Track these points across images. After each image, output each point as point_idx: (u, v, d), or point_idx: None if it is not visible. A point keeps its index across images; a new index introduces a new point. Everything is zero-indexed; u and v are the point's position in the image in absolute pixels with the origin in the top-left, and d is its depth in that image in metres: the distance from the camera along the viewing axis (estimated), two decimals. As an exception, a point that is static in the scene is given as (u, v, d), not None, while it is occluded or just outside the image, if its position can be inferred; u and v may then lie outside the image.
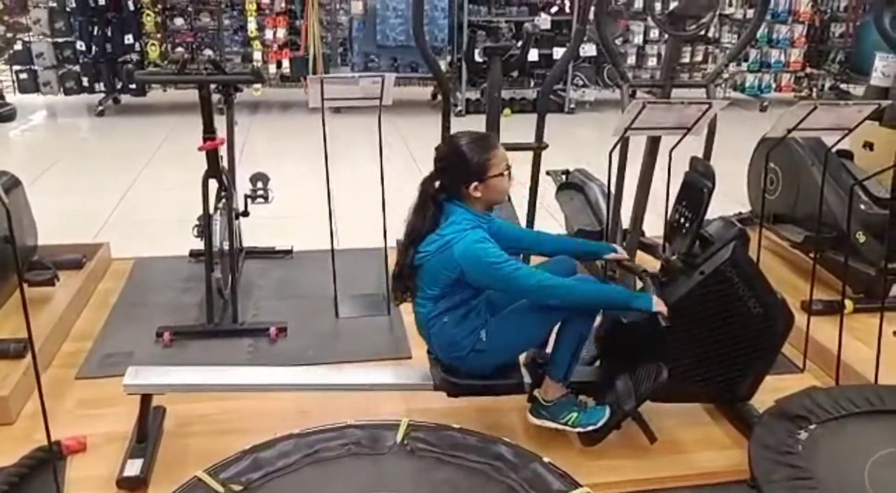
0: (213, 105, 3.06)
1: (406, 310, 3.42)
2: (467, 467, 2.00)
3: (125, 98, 8.51)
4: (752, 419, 2.57)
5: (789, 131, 2.75)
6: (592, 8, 2.98)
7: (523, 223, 3.53)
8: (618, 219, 3.32)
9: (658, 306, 2.29)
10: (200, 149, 3.01)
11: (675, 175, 2.61)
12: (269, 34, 8.18)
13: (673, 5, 3.15)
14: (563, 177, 4.05)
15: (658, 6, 7.18)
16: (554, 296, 2.31)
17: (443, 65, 8.40)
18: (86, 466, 2.37)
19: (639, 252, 3.66)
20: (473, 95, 8.37)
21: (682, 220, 2.46)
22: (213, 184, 3.20)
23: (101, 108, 8.15)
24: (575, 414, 2.41)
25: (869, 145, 4.23)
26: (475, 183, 2.31)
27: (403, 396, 2.62)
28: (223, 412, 2.64)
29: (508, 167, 2.36)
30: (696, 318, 2.44)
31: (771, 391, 2.63)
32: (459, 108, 8.29)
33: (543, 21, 8.06)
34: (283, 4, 8.14)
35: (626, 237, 3.56)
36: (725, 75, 8.79)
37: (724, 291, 2.42)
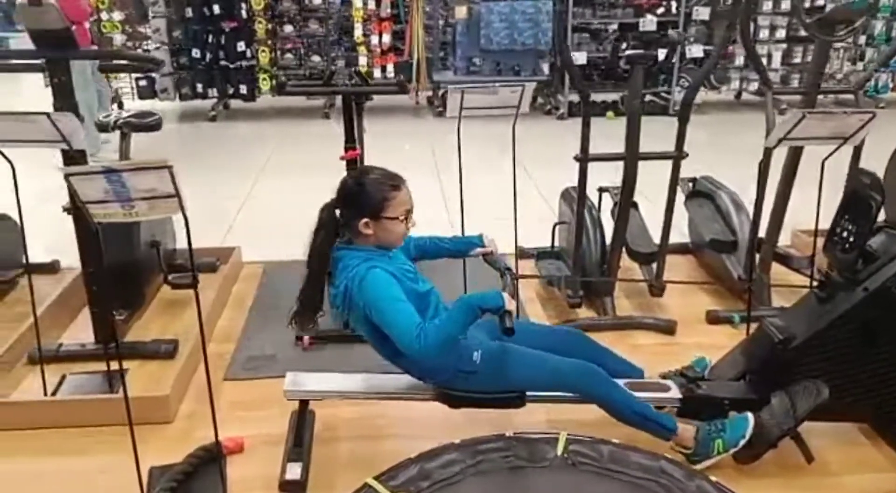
0: (354, 116, 3.12)
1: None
2: (631, 483, 1.98)
3: (235, 103, 8.81)
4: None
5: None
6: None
7: (657, 235, 3.47)
8: (757, 229, 3.23)
9: (508, 304, 2.09)
10: (342, 158, 3.08)
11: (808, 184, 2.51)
12: (374, 40, 8.32)
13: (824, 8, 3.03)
14: (691, 185, 3.97)
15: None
16: (428, 339, 2.03)
17: (545, 68, 8.38)
18: (243, 467, 2.45)
19: (774, 264, 3.57)
20: (575, 98, 8.30)
21: (845, 234, 2.37)
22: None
23: (213, 113, 8.46)
24: (720, 441, 2.35)
25: None
26: (367, 219, 2.20)
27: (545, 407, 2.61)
28: (367, 417, 2.70)
29: (409, 212, 2.26)
30: (857, 334, 2.36)
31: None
32: (561, 111, 8.25)
33: (650, 22, 7.93)
34: (388, 10, 8.26)
35: (762, 248, 3.47)
36: (840, 76, 8.45)
37: (888, 308, 2.33)
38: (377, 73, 8.37)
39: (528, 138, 2.51)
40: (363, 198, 2.21)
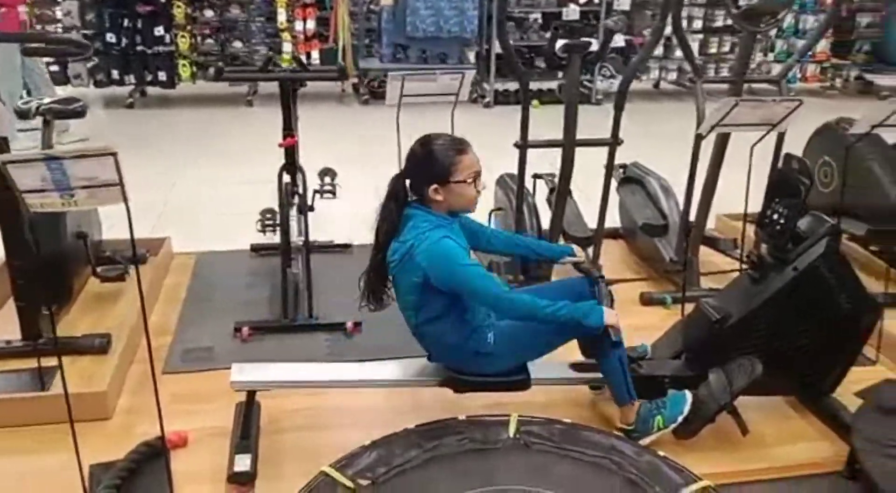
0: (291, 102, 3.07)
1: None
2: (585, 461, 2.03)
3: (152, 90, 8.52)
4: (837, 411, 2.61)
5: (873, 128, 2.77)
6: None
7: (592, 220, 3.55)
8: (688, 213, 3.35)
9: (609, 318, 2.28)
10: (281, 145, 3.03)
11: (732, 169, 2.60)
12: (298, 26, 8.17)
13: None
14: (622, 171, 4.07)
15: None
16: (510, 310, 2.29)
17: (471, 56, 8.42)
18: (189, 461, 2.40)
19: (702, 247, 3.71)
20: (501, 86, 8.38)
21: (776, 216, 2.49)
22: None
23: (130, 100, 8.16)
24: (659, 417, 2.44)
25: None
26: (436, 185, 2.27)
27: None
28: (313, 407, 2.68)
29: (477, 175, 2.31)
30: (787, 313, 2.48)
31: (846, 383, 2.67)
32: (487, 99, 8.30)
33: (573, 12, 8.06)
34: (312, -5, 8.13)
35: (691, 232, 3.59)
36: (752, 65, 8.78)
37: (816, 287, 2.45)
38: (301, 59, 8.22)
39: (456, 127, 2.53)
40: (431, 164, 2.26)
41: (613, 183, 3.88)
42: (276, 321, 3.22)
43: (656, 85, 9.37)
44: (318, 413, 2.66)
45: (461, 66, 7.95)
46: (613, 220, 4.14)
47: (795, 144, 4.11)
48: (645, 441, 2.41)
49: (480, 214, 3.74)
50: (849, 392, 2.69)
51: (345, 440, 2.24)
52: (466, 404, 2.51)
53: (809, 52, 8.76)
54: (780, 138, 3.24)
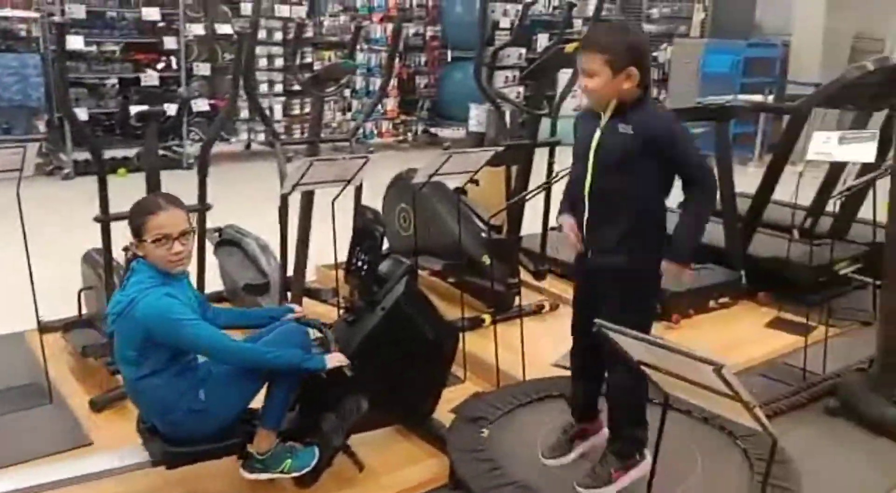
0: None
1: (73, 392, 3.19)
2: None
3: None
4: (438, 430, 2.91)
5: (430, 177, 3.17)
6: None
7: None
8: (285, 269, 3.47)
9: (332, 362, 2.44)
10: None
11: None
12: None
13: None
14: (217, 235, 4.07)
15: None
16: (235, 359, 2.40)
17: (41, 126, 7.72)
18: None
19: (305, 298, 3.86)
20: (82, 155, 7.80)
21: (360, 263, 2.71)
22: None
23: None
24: (289, 461, 2.50)
25: (476, 182, 4.96)
26: (135, 243, 2.36)
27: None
28: None
29: (165, 237, 2.32)
30: (383, 349, 2.70)
31: (443, 403, 3.00)
32: (67, 170, 7.67)
33: (151, 78, 7.87)
34: None
35: (292, 286, 3.72)
36: (334, 125, 9.43)
37: (402, 322, 2.72)
38: None
39: (32, 203, 2.34)
40: (130, 222, 2.37)
41: (210, 247, 3.87)
42: None
43: (248, 146, 9.53)
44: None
45: (27, 138, 7.24)
46: (217, 284, 4.11)
47: (379, 194, 4.54)
48: (264, 477, 2.47)
49: (69, 296, 3.49)
50: (445, 410, 3.02)
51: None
52: None
53: (381, 110, 9.71)
54: (359, 191, 3.53)
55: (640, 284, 2.50)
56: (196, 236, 2.71)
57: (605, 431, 2.69)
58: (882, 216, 3.45)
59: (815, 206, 4.80)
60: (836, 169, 4.73)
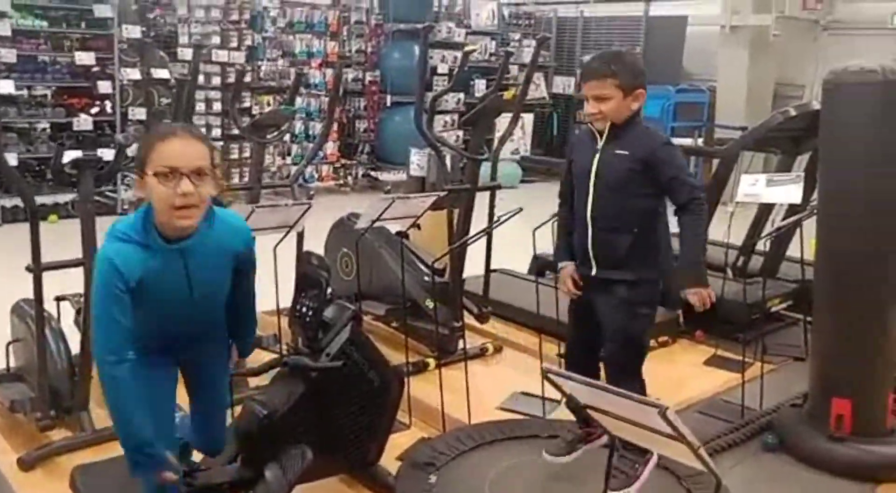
0: None
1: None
2: None
3: None
4: (384, 478, 2.87)
5: (373, 222, 3.18)
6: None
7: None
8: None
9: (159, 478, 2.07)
10: None
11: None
12: None
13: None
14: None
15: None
16: (104, 389, 2.04)
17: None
18: None
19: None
20: (10, 202, 7.55)
21: (305, 309, 2.67)
22: None
23: None
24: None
25: (418, 226, 4.98)
26: (137, 177, 1.96)
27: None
28: None
29: (173, 170, 1.89)
30: (328, 396, 2.66)
31: (389, 449, 2.97)
32: (-7, 217, 7.43)
33: (85, 122, 7.72)
34: None
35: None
36: (274, 169, 9.37)
37: (348, 367, 2.69)
38: None
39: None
40: (138, 150, 1.96)
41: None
42: None
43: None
44: None
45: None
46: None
47: (319, 237, 4.52)
48: None
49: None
50: (392, 457, 2.98)
51: None
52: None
53: (322, 155, 9.69)
54: (301, 236, 3.51)
55: (644, 294, 2.71)
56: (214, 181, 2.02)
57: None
58: (809, 255, 3.58)
59: (747, 245, 4.96)
60: (765, 209, 4.91)
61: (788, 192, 3.54)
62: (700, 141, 5.69)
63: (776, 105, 8.77)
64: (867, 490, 2.91)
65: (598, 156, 2.66)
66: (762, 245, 4.58)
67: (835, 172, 3.20)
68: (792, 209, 4.32)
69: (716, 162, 5.10)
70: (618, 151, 2.62)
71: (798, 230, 4.19)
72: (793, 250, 4.83)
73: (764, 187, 3.59)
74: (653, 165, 2.59)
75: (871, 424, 3.17)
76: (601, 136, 2.66)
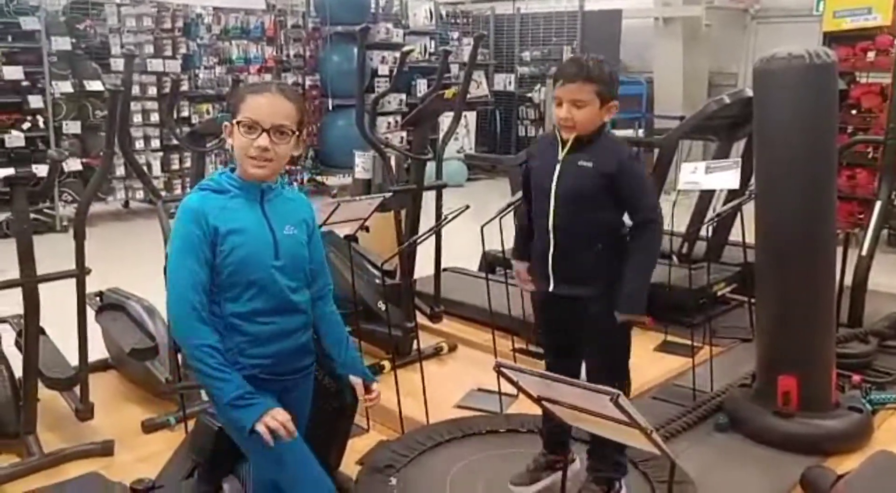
0: None
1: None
2: None
3: None
4: (343, 483, 2.85)
5: (321, 225, 3.15)
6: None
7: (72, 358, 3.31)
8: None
9: (261, 424, 2.04)
10: None
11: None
12: None
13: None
14: (98, 299, 3.89)
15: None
16: (174, 331, 2.08)
17: None
18: None
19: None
20: (-59, 224, 7.31)
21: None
22: None
23: None
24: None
25: (366, 228, 4.96)
26: (228, 124, 2.04)
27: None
28: None
29: (255, 123, 1.96)
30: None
31: (349, 454, 2.95)
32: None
33: (17, 138, 7.50)
34: None
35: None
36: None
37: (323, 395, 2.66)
38: None
39: None
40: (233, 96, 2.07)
41: (91, 313, 3.69)
42: None
43: (126, 204, 9.19)
44: None
45: None
46: (101, 351, 3.91)
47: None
48: None
49: None
50: (352, 462, 2.97)
51: None
52: None
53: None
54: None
55: (615, 300, 2.50)
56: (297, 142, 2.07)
57: (576, 464, 2.72)
58: (750, 238, 3.68)
59: (690, 232, 5.07)
60: (706, 196, 5.02)
61: (727, 178, 3.62)
62: (641, 132, 5.79)
63: (711, 93, 8.98)
64: (816, 463, 3.00)
65: (559, 166, 2.49)
66: (705, 231, 4.68)
67: (769, 155, 3.28)
68: (732, 194, 4.44)
69: (657, 152, 5.19)
70: (581, 163, 2.45)
71: (739, 215, 4.30)
72: (735, 235, 4.95)
73: (703, 175, 3.67)
74: (616, 179, 2.43)
75: (817, 399, 3.27)
76: (563, 145, 2.49)
